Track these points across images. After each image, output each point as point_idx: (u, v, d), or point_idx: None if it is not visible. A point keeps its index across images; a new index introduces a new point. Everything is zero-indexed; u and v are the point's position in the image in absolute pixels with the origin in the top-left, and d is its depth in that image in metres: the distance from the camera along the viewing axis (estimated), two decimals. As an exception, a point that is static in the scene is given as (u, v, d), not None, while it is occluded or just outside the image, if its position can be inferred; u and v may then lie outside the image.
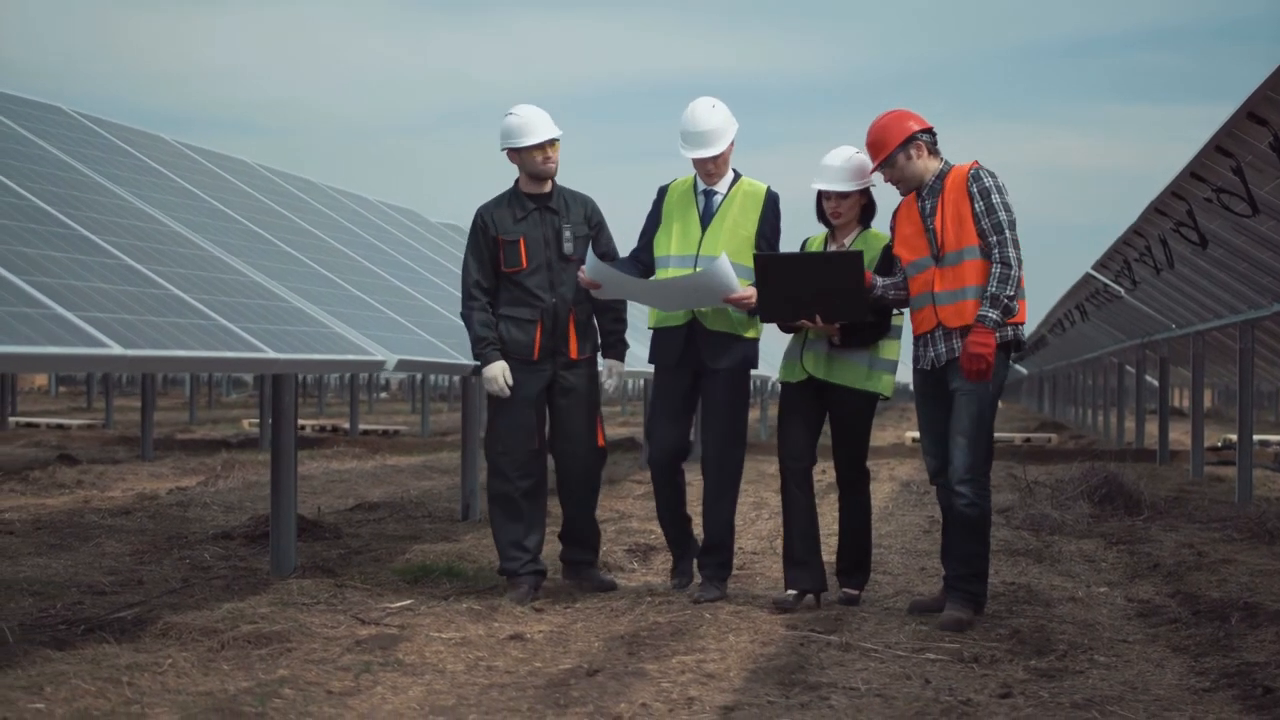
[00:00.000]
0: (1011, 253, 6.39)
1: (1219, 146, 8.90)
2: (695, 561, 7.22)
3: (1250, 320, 12.77)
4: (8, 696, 4.67)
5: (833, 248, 6.88)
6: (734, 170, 7.00)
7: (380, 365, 6.94)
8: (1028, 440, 22.10)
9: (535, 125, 6.94)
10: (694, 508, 7.32)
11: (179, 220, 7.54)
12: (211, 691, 4.95)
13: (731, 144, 6.90)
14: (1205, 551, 8.94)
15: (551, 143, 6.99)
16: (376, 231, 11.21)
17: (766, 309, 6.72)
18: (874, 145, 6.63)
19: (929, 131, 6.58)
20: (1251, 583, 7.67)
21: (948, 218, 6.48)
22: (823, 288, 6.58)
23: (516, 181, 7.09)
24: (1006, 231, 6.42)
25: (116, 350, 4.70)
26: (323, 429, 23.31)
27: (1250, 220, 9.69)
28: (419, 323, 8.50)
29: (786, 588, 6.89)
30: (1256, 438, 17.92)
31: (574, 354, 7.04)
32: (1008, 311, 6.38)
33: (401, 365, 7.10)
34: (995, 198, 6.45)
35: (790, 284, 6.62)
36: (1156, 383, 21.35)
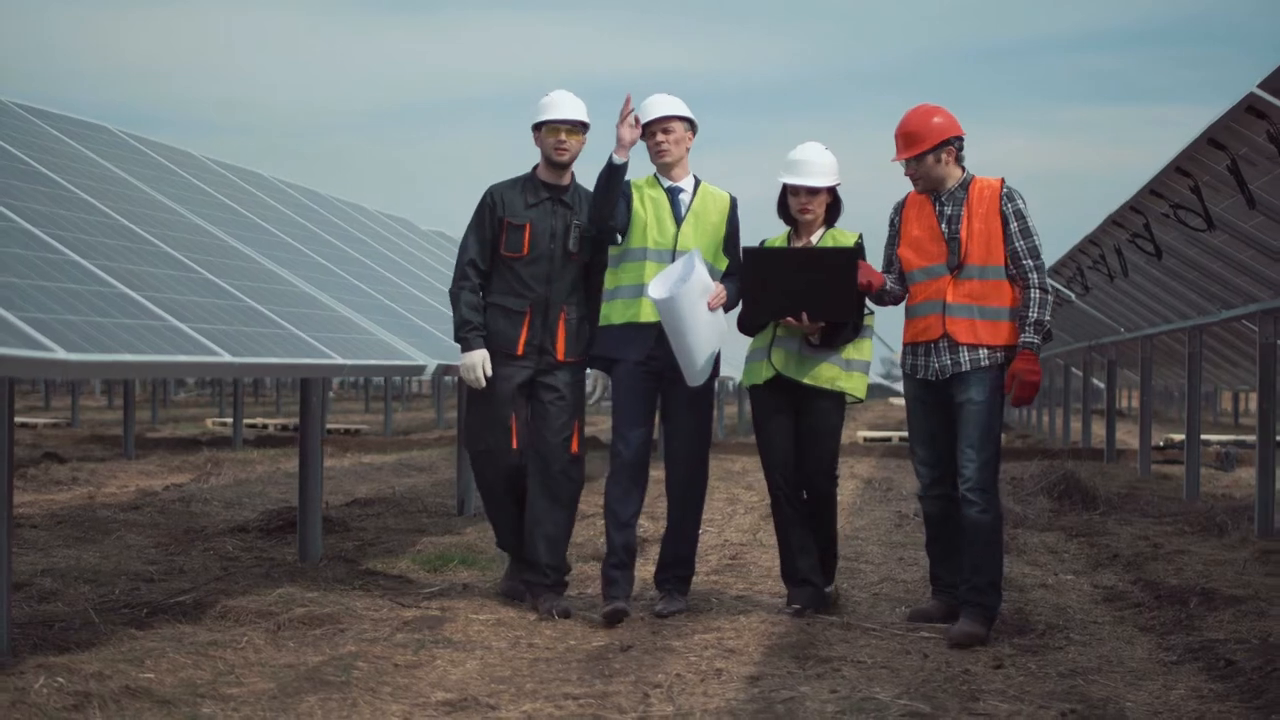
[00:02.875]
0: (1047, 278, 6.32)
1: (1179, 168, 9.30)
2: (655, 577, 6.95)
3: (1199, 325, 13.16)
4: (118, 668, 5.18)
5: (798, 246, 6.63)
6: (694, 176, 6.77)
7: (422, 369, 7.42)
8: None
9: (557, 103, 6.69)
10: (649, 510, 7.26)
11: (230, 234, 8.02)
12: (292, 664, 5.49)
13: (689, 131, 6.67)
14: (1160, 543, 9.53)
15: (571, 129, 6.71)
16: (382, 241, 11.69)
17: (752, 305, 6.51)
18: (909, 136, 6.34)
19: (961, 138, 6.38)
20: (1206, 571, 8.27)
21: (975, 232, 6.31)
22: (813, 284, 6.37)
23: (535, 167, 6.83)
24: (1041, 256, 6.33)
25: (227, 358, 5.22)
26: (284, 428, 23.38)
27: (1205, 234, 10.18)
28: (440, 328, 8.99)
29: (790, 603, 6.74)
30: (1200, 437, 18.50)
31: (561, 355, 6.72)
32: (1047, 336, 6.39)
33: (440, 368, 7.57)
34: (1028, 221, 6.33)
35: (779, 279, 6.40)
36: (1102, 385, 22.00)
